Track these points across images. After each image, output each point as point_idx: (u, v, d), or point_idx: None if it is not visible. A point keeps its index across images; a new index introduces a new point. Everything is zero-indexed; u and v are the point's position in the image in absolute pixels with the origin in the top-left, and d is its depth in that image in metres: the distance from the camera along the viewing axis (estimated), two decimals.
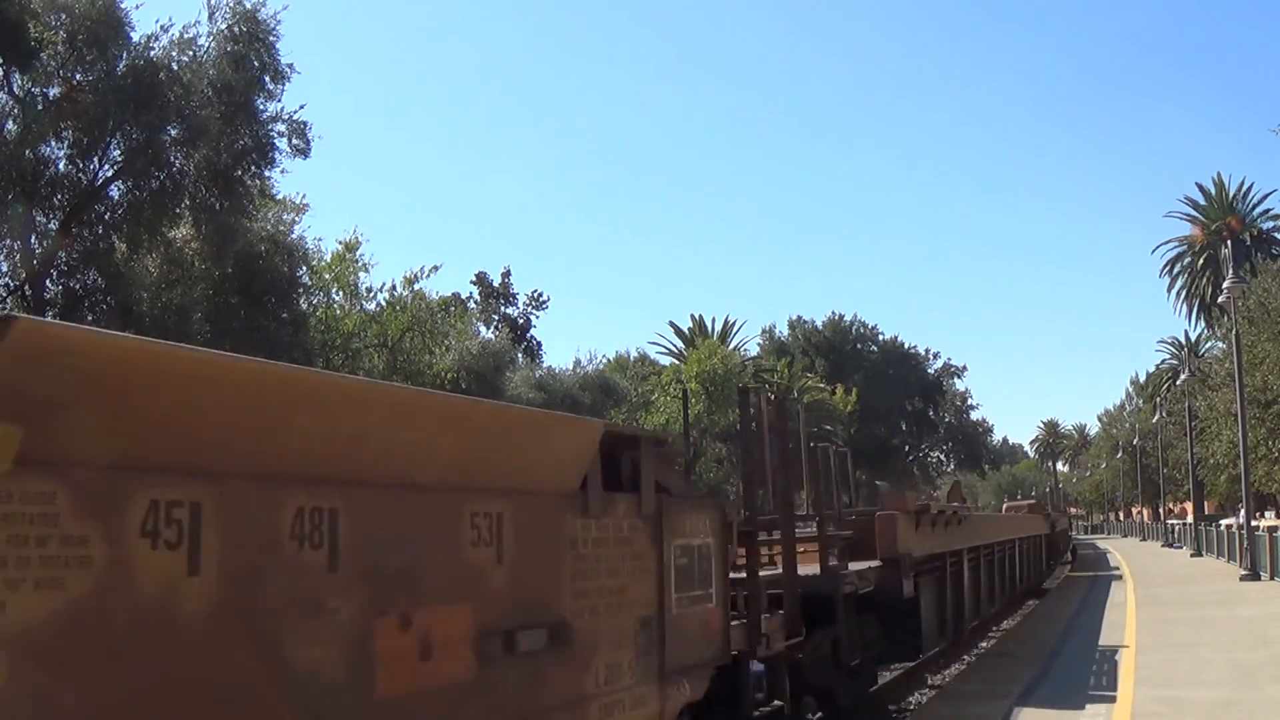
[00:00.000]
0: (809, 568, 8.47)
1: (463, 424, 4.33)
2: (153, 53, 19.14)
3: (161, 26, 19.45)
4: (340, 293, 27.46)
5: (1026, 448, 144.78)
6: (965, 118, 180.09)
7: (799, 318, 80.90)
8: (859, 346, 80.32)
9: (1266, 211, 67.21)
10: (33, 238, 19.14)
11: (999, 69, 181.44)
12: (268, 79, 20.22)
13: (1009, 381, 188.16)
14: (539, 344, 48.94)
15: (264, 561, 3.24)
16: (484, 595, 4.18)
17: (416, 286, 28.69)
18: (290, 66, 20.52)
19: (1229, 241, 50.42)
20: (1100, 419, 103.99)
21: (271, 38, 20.10)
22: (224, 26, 19.86)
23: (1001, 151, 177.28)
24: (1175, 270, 71.29)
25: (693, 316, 66.36)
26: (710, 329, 64.67)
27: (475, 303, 45.32)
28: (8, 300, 19.45)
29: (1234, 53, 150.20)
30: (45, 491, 2.63)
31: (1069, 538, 47.11)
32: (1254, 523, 26.80)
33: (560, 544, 4.73)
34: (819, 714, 8.43)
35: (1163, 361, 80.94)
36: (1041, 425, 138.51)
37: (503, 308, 49.18)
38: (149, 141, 18.69)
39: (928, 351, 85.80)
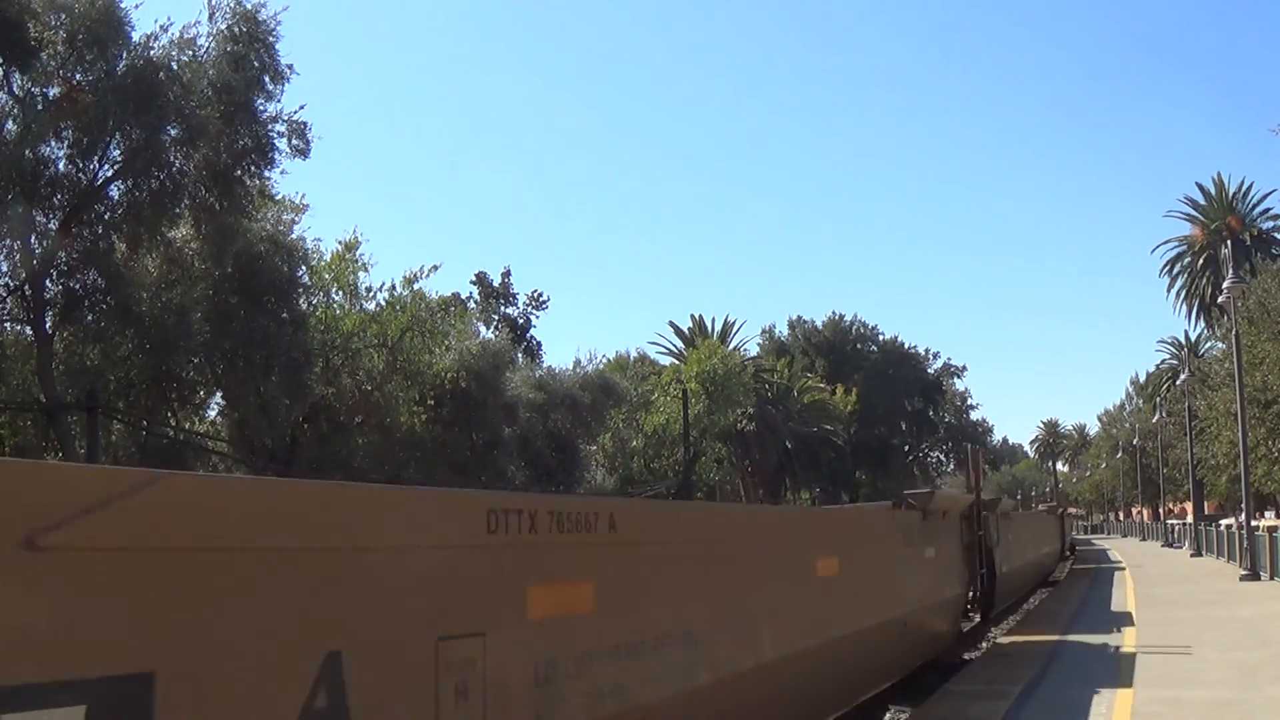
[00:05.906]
0: None
1: None
2: (153, 52, 19.11)
3: (161, 26, 19.43)
4: (340, 292, 27.40)
5: (1026, 448, 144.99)
6: (965, 118, 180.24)
7: (799, 318, 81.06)
8: (859, 346, 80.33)
9: (1266, 211, 67.36)
10: (33, 238, 19.08)
11: (999, 69, 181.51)
12: (267, 79, 20.20)
13: (1009, 381, 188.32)
14: (539, 344, 48.92)
15: None
16: None
17: (416, 286, 28.60)
18: (290, 67, 20.51)
19: (1229, 241, 50.33)
20: (1100, 419, 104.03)
21: (271, 38, 20.07)
22: (224, 26, 19.83)
23: (1001, 151, 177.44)
24: (1175, 270, 71.37)
25: (693, 316, 66.48)
26: (710, 329, 64.69)
27: (475, 303, 45.28)
28: (7, 300, 19.44)
29: (1234, 53, 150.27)
30: None
31: (1067, 545, 37.55)
32: (1254, 523, 26.78)
33: None
34: None
35: (1163, 361, 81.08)
36: (1041, 425, 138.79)
37: (503, 308, 49.14)
38: (149, 141, 18.66)
39: (928, 351, 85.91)
